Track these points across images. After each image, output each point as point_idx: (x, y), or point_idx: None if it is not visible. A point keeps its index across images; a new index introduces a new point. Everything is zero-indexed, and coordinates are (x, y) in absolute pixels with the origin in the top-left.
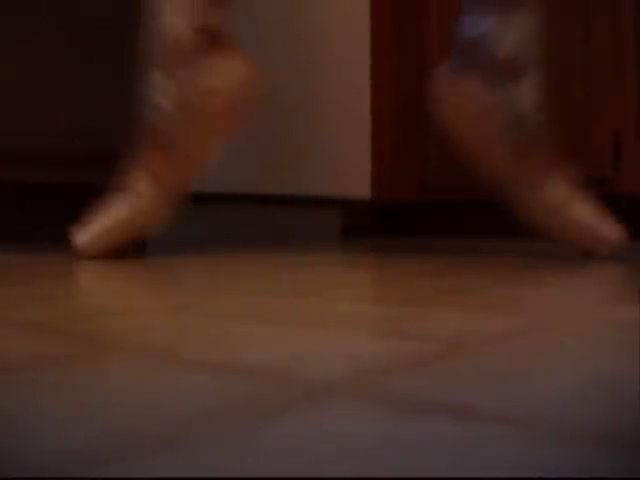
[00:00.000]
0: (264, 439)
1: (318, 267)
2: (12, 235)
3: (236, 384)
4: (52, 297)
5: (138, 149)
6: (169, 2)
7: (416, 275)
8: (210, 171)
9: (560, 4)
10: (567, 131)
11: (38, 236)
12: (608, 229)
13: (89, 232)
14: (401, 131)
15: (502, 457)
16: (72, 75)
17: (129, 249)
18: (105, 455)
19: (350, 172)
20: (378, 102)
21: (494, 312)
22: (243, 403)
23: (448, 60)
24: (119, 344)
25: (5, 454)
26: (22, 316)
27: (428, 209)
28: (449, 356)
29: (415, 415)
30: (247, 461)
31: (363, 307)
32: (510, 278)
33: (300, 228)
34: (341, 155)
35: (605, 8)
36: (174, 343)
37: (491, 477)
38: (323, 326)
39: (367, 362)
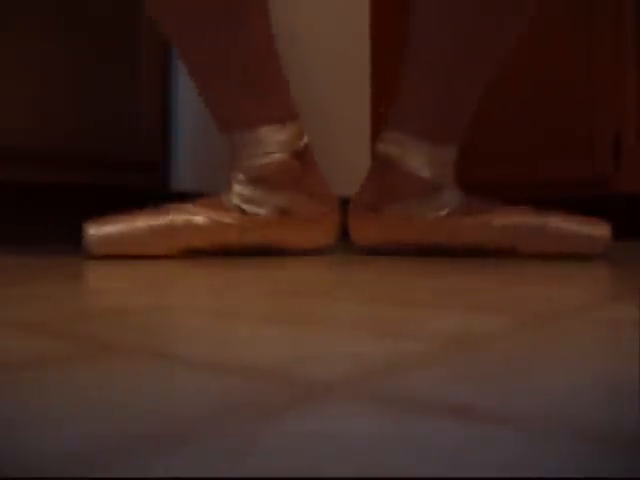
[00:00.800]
0: (264, 439)
1: (318, 267)
2: (13, 235)
3: (236, 384)
4: (52, 297)
5: (200, 201)
6: (260, 133)
7: (416, 275)
8: (210, 171)
9: (562, 5)
10: (567, 131)
11: (39, 236)
12: (592, 229)
13: (102, 230)
14: None
15: (502, 457)
16: (73, 75)
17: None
18: (105, 455)
19: (350, 172)
20: (378, 102)
21: (494, 312)
22: (243, 403)
23: (358, 191)
24: (119, 344)
25: (5, 454)
26: (22, 316)
27: None
28: (449, 356)
29: (415, 415)
30: (247, 461)
31: (363, 307)
32: (510, 278)
33: None
34: (341, 155)
35: (606, 9)
36: (174, 343)
37: (491, 477)
38: (323, 326)
39: (367, 362)
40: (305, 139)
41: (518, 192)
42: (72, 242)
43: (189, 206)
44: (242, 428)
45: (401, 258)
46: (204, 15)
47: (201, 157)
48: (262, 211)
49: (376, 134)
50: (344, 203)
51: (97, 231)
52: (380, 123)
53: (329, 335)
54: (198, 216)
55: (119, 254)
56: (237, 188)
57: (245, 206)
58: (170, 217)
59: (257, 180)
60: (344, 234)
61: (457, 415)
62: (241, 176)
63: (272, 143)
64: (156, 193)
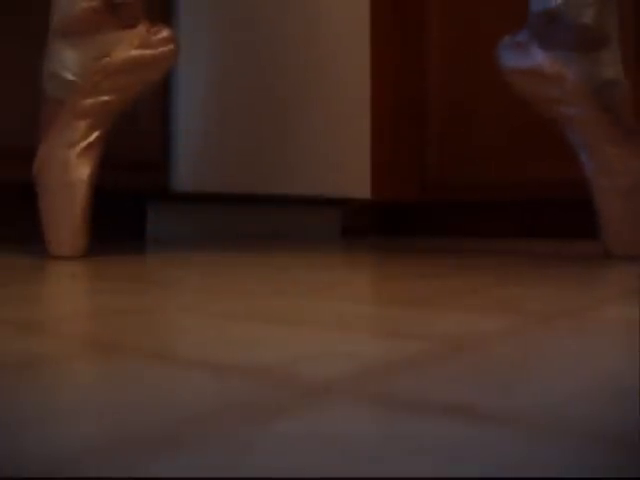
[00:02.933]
0: (264, 439)
1: (318, 267)
2: (13, 235)
3: (236, 384)
4: (51, 297)
5: (42, 121)
6: None
7: (416, 275)
8: (210, 171)
9: None
10: None
11: (39, 236)
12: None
13: (59, 230)
14: (401, 131)
15: (502, 457)
16: None
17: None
18: (105, 455)
19: (350, 172)
20: (378, 102)
21: (494, 312)
22: (243, 403)
23: (521, 33)
24: (118, 344)
25: (4, 454)
26: (21, 316)
27: (428, 209)
28: (449, 356)
29: (415, 415)
30: (247, 461)
31: (363, 307)
32: (510, 278)
33: (300, 228)
34: (341, 155)
35: None
36: (174, 343)
37: (491, 477)
38: (323, 326)
39: (367, 362)
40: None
41: (516, 192)
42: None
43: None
44: (242, 428)
45: (401, 258)
46: None
47: (201, 157)
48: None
49: (376, 134)
50: (344, 203)
51: (56, 242)
52: (380, 124)
53: (329, 335)
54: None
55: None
56: (61, 57)
57: (77, 75)
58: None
59: (68, 33)
60: (343, 234)
61: (457, 415)
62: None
63: None
64: (156, 193)
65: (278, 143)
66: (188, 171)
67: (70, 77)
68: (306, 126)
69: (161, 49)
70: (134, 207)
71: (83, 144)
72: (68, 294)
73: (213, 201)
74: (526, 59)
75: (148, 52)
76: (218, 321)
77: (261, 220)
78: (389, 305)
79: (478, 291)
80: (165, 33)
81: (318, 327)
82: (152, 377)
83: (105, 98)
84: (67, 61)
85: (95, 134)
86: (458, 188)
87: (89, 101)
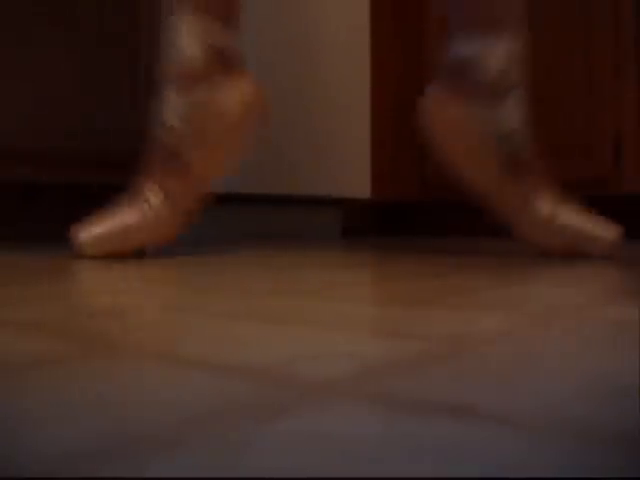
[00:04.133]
0: (264, 439)
1: (318, 267)
2: (13, 235)
3: (236, 384)
4: (53, 297)
5: (151, 161)
6: (184, 23)
7: (416, 275)
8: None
9: (561, 5)
10: (567, 131)
11: (39, 236)
12: (602, 230)
13: (92, 231)
14: (401, 131)
15: (502, 457)
16: (73, 75)
17: (145, 250)
18: (105, 455)
19: (350, 172)
20: (378, 102)
21: (494, 312)
22: (243, 403)
23: (436, 80)
24: (118, 344)
25: (4, 454)
26: (23, 316)
27: (428, 209)
28: (449, 356)
29: (415, 415)
30: (247, 461)
31: (363, 307)
32: (510, 278)
33: (300, 228)
34: (341, 155)
35: (605, 9)
36: (174, 343)
37: (491, 477)
38: (323, 326)
39: (367, 362)
40: (230, 43)
41: None
42: (71, 242)
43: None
44: (242, 428)
45: (401, 258)
46: None
47: None
48: (187, 125)
49: (376, 134)
50: (344, 203)
51: (86, 233)
52: (380, 124)
53: (329, 335)
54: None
55: (111, 251)
56: (172, 104)
57: (180, 122)
58: (153, 205)
59: (179, 85)
60: (343, 234)
61: (457, 415)
62: (171, 92)
63: (188, 33)
64: None
65: (278, 143)
66: None
67: (173, 124)
68: (306, 126)
69: (258, 103)
70: None
71: (176, 201)
72: (70, 294)
73: (213, 201)
74: (442, 112)
75: (248, 106)
76: (218, 321)
77: (261, 220)
78: (389, 305)
79: (478, 291)
80: (258, 86)
81: (318, 327)
82: (152, 377)
83: (211, 148)
84: (173, 108)
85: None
86: (459, 188)
87: (196, 153)
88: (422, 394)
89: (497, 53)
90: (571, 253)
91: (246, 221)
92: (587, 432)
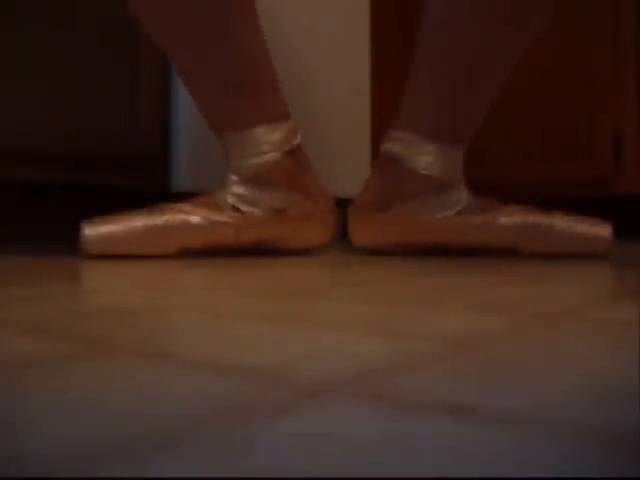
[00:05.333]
0: (264, 439)
1: (318, 267)
2: (13, 235)
3: (236, 384)
4: (52, 297)
5: (197, 199)
6: (254, 132)
7: (416, 275)
8: (210, 171)
9: (562, 5)
10: (567, 131)
11: (38, 236)
12: (596, 229)
13: (99, 230)
14: None
15: (502, 457)
16: (73, 75)
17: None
18: (105, 455)
19: (350, 172)
20: (378, 102)
21: (494, 312)
22: (243, 403)
23: (360, 192)
24: (118, 344)
25: (4, 454)
26: (22, 316)
27: None
28: (449, 356)
29: (415, 415)
30: (247, 461)
31: (363, 307)
32: (510, 278)
33: None
34: (341, 155)
35: (605, 9)
36: (174, 343)
37: (491, 477)
38: (323, 326)
39: (367, 362)
40: (298, 138)
41: (518, 192)
42: (71, 242)
43: (185, 205)
44: (242, 428)
45: (401, 258)
46: (187, 16)
47: (201, 157)
48: (257, 210)
49: (376, 134)
50: (344, 203)
51: (94, 231)
52: (380, 124)
53: (329, 335)
54: (194, 215)
55: (116, 254)
56: (232, 188)
57: (240, 205)
58: (166, 217)
59: (252, 180)
60: (343, 234)
61: (457, 415)
62: (235, 177)
63: (266, 143)
64: (156, 193)
65: None
66: (188, 171)
67: (243, 207)
68: (306, 126)
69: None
70: (134, 207)
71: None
72: (69, 294)
73: None
74: (370, 219)
75: (319, 235)
76: (218, 321)
77: None
78: (389, 305)
79: (478, 290)
80: (331, 200)
81: (318, 327)
82: (152, 377)
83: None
84: (243, 196)
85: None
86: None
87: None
88: (422, 394)
89: (428, 157)
90: (570, 255)
91: None
92: (587, 432)
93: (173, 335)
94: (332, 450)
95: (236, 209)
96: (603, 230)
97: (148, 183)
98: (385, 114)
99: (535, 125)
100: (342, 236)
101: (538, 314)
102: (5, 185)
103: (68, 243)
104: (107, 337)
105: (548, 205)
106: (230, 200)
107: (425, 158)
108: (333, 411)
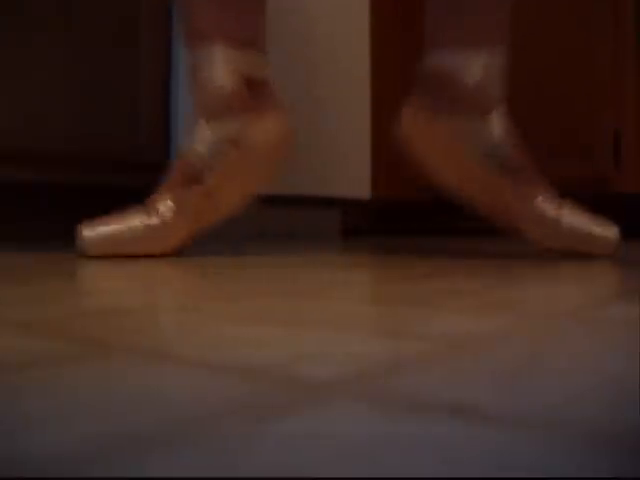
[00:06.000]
0: (264, 439)
1: (318, 267)
2: (13, 235)
3: (236, 384)
4: (51, 297)
5: (172, 175)
6: (214, 52)
7: (416, 275)
8: None
9: (562, 6)
10: (567, 131)
11: (37, 236)
12: (604, 229)
13: (97, 231)
14: None
15: (502, 457)
16: (73, 75)
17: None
18: (104, 455)
19: (350, 172)
20: (378, 102)
21: (495, 312)
22: (243, 403)
23: (412, 96)
24: (117, 344)
25: (4, 454)
26: (22, 316)
27: (428, 209)
28: (449, 356)
29: (415, 415)
30: (247, 461)
31: (363, 307)
32: (510, 278)
33: (300, 228)
34: (341, 155)
35: (605, 9)
36: (174, 343)
37: (491, 477)
38: (323, 326)
39: (367, 362)
40: (266, 74)
41: None
42: (71, 242)
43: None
44: (241, 428)
45: (401, 258)
46: None
47: None
48: (218, 153)
49: (376, 134)
50: (344, 203)
51: (91, 232)
52: (381, 124)
53: (329, 335)
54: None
55: (114, 254)
56: (201, 130)
57: (207, 150)
58: (161, 214)
59: (212, 113)
60: (343, 234)
61: (457, 415)
62: (202, 121)
63: (225, 63)
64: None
65: None
66: None
67: (205, 152)
68: (306, 126)
69: (287, 138)
70: (134, 207)
71: (186, 214)
72: (68, 294)
73: None
74: (421, 126)
75: (277, 142)
76: (218, 321)
77: (260, 220)
78: (389, 305)
79: (478, 291)
80: (287, 121)
81: (318, 327)
82: (152, 377)
83: (234, 180)
84: (205, 137)
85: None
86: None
87: (218, 182)
88: (422, 394)
89: (475, 68)
90: (574, 253)
91: (246, 221)
92: (588, 432)
93: (172, 335)
94: (332, 450)
95: (207, 162)
96: (611, 231)
97: (148, 183)
98: (385, 114)
99: (535, 125)
100: (342, 235)
101: (539, 315)
102: (5, 185)
103: (67, 243)
104: (106, 337)
105: None
106: (200, 149)
107: (470, 69)
108: (333, 411)
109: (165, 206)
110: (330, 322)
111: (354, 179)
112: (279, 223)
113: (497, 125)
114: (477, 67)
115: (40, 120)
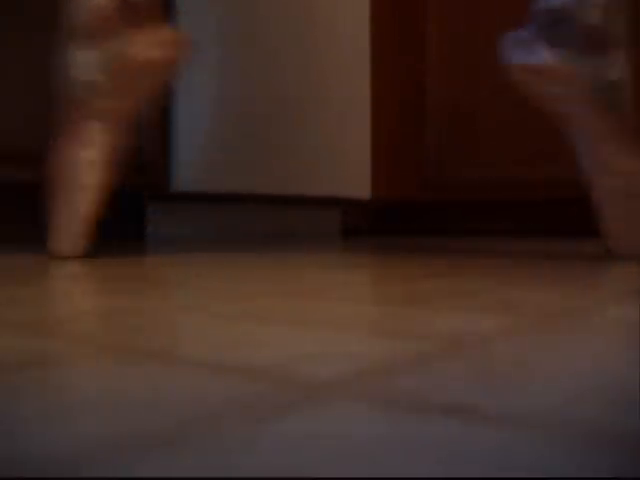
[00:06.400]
0: (264, 439)
1: (318, 267)
2: (13, 235)
3: (236, 384)
4: (52, 297)
5: (67, 121)
6: None
7: (416, 275)
8: (210, 171)
9: None
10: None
11: (39, 236)
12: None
13: (63, 232)
14: (401, 130)
15: (502, 457)
16: None
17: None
18: (104, 455)
19: (350, 172)
20: (378, 102)
21: (495, 312)
22: (243, 403)
23: (527, 29)
24: (117, 344)
25: (4, 454)
26: (20, 316)
27: (428, 209)
28: (449, 356)
29: (415, 415)
30: (247, 461)
31: (363, 307)
32: (511, 278)
33: (300, 228)
34: (341, 155)
35: None
36: (174, 343)
37: (491, 477)
38: (323, 326)
39: (367, 362)
40: None
41: (517, 192)
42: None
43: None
44: (241, 428)
45: (401, 258)
46: None
47: (201, 157)
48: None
49: (376, 134)
50: (344, 203)
51: (69, 244)
52: (380, 123)
53: (329, 335)
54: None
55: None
56: (84, 58)
57: (99, 75)
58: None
59: (89, 34)
60: (343, 234)
61: (457, 415)
62: (77, 46)
63: None
64: (156, 193)
65: (278, 143)
66: (188, 171)
67: (89, 78)
68: (306, 126)
69: (176, 49)
70: (134, 207)
71: (97, 147)
72: (68, 294)
73: (213, 201)
74: (532, 56)
75: (165, 53)
76: (218, 321)
77: (261, 220)
78: (389, 305)
79: (478, 291)
80: (177, 33)
81: (318, 327)
82: (152, 377)
83: (122, 99)
84: (86, 62)
85: (110, 137)
86: (458, 188)
87: (107, 102)
88: (422, 394)
89: (594, 4)
90: None
91: (245, 221)
92: (588, 432)
93: (173, 335)
94: (332, 450)
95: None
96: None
97: (148, 183)
98: (385, 114)
99: (534, 125)
100: (342, 235)
101: (539, 314)
102: (5, 185)
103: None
104: (106, 337)
105: (547, 205)
106: (83, 77)
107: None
108: (333, 411)
109: (98, 134)
110: (330, 322)
111: (354, 179)
112: (279, 223)
113: (614, 64)
114: (594, 5)
115: (40, 120)
